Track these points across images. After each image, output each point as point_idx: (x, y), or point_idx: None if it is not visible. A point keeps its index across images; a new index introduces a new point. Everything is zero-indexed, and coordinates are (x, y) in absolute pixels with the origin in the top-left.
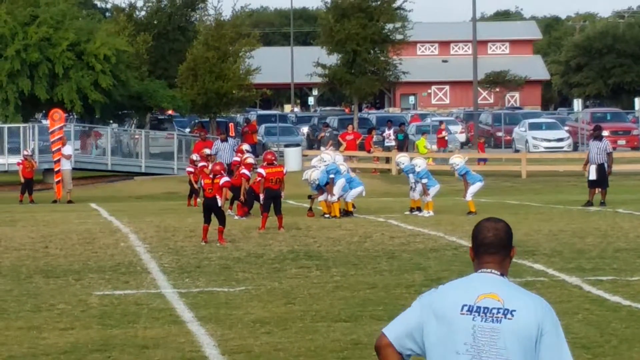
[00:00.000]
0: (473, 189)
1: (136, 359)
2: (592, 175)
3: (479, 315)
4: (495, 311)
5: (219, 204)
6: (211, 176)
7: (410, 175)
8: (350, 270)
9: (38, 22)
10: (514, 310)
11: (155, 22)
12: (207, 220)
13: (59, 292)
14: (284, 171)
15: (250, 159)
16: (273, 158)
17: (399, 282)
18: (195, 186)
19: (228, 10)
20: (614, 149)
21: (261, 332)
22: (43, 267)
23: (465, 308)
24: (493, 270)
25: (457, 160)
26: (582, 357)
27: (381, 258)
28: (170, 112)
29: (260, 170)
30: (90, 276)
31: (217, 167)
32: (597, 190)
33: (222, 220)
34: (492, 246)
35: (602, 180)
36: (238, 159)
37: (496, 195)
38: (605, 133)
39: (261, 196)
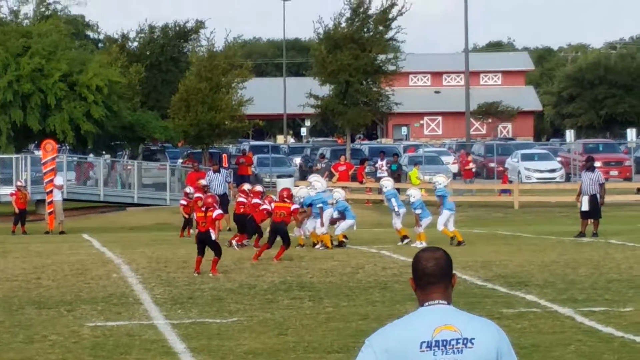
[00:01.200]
0: (425, 221)
1: None
2: (585, 206)
3: (439, 349)
4: (454, 342)
5: (213, 237)
6: (203, 209)
7: (393, 200)
8: (343, 302)
9: (30, 53)
10: (473, 339)
11: (147, 52)
12: (201, 253)
13: (51, 323)
14: (292, 208)
15: (258, 187)
16: (286, 195)
17: (391, 313)
18: (185, 216)
19: (220, 41)
20: (607, 179)
21: None
22: (35, 298)
23: (424, 345)
24: (440, 301)
25: (440, 179)
26: None
27: (374, 289)
28: (180, 144)
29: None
30: (83, 307)
31: (209, 200)
32: (590, 221)
33: (217, 251)
34: (434, 276)
35: (594, 211)
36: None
37: (488, 226)
38: (597, 164)
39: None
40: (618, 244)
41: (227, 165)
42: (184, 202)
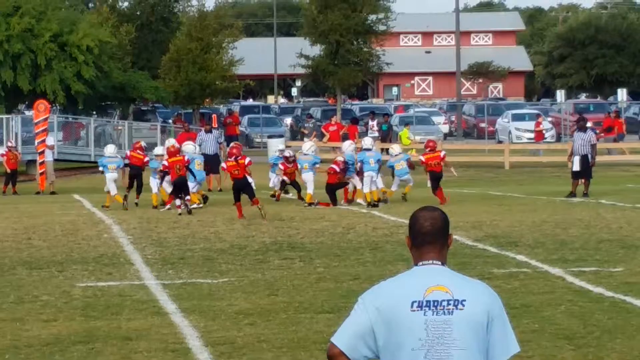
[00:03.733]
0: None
1: (120, 350)
2: (576, 167)
3: (429, 309)
4: (445, 303)
5: (250, 181)
6: (232, 159)
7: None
8: (334, 262)
9: (20, 12)
10: (464, 300)
11: (138, 13)
12: (238, 199)
13: (42, 283)
14: (245, 161)
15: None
16: (237, 152)
17: (382, 273)
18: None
19: (211, 1)
20: (597, 140)
21: (244, 324)
22: (26, 258)
23: (415, 304)
24: (434, 261)
25: (397, 148)
26: (564, 348)
27: (364, 249)
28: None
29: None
30: (74, 267)
31: (235, 150)
32: (581, 181)
33: (252, 195)
34: (430, 235)
35: (585, 171)
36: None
37: (479, 187)
38: (588, 124)
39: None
40: (608, 204)
41: (216, 125)
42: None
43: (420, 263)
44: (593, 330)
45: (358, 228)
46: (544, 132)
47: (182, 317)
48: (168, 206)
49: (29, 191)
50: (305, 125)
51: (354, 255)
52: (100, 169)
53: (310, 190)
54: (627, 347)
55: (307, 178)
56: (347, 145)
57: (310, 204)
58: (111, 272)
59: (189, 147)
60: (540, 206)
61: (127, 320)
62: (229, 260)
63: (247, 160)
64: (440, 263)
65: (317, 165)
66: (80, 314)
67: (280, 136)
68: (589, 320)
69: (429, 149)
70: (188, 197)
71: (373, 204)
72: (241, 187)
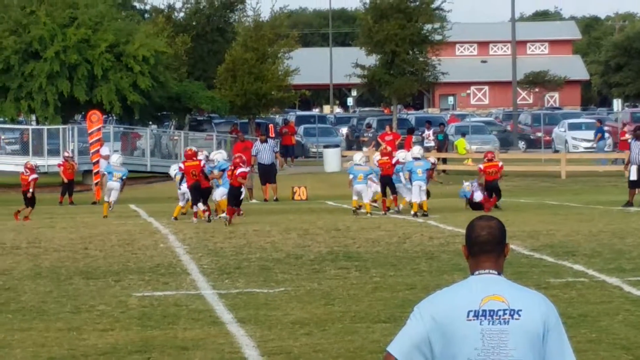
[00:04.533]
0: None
1: None
2: (633, 176)
3: (485, 319)
4: (501, 313)
5: (242, 192)
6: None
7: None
8: (390, 271)
9: (77, 23)
10: (520, 310)
11: (194, 23)
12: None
13: (99, 293)
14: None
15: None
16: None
17: (438, 283)
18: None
19: (267, 11)
20: None
21: (300, 333)
22: (83, 268)
23: (472, 314)
24: (490, 271)
25: (403, 155)
26: (622, 358)
27: (420, 259)
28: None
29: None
30: (130, 277)
31: (237, 160)
32: (638, 190)
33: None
34: (487, 244)
35: None
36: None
37: (536, 196)
38: None
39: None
40: None
41: (273, 135)
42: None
43: (477, 272)
44: None
45: (414, 237)
46: (629, 142)
47: (238, 326)
48: (223, 215)
49: (85, 201)
50: (365, 134)
51: (410, 264)
52: (104, 172)
53: (367, 199)
54: None
55: (362, 189)
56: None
57: (369, 214)
58: (167, 282)
59: (218, 155)
60: (597, 216)
61: (183, 330)
62: (285, 269)
63: (239, 171)
64: (496, 272)
65: (371, 176)
66: (137, 324)
67: (337, 146)
68: None
69: (487, 158)
70: (202, 207)
71: (423, 214)
72: (203, 192)
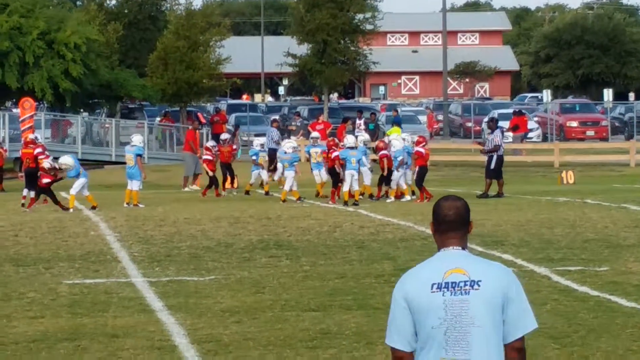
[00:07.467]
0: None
1: (106, 347)
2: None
3: (447, 290)
4: (462, 284)
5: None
6: None
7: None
8: (320, 260)
9: (8, 10)
10: (480, 281)
11: (125, 11)
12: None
13: (29, 280)
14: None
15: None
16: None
17: (368, 271)
18: (210, 173)
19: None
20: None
21: (231, 321)
22: (13, 255)
23: (435, 286)
24: (455, 247)
25: (396, 143)
26: (549, 347)
27: (350, 248)
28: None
29: None
30: (60, 265)
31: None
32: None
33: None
34: (454, 223)
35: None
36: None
37: (465, 186)
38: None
39: None
40: (594, 204)
41: (205, 122)
42: (209, 157)
43: (443, 249)
44: (578, 329)
45: (344, 226)
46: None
47: (168, 314)
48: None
49: (16, 188)
50: (293, 123)
51: (340, 253)
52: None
53: (290, 187)
54: (612, 346)
55: (288, 175)
56: (398, 142)
57: (284, 201)
58: (98, 270)
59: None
60: (526, 206)
61: (113, 317)
62: (215, 258)
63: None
64: (460, 248)
65: (296, 164)
66: (67, 311)
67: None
68: (574, 319)
69: (422, 144)
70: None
71: (354, 203)
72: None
